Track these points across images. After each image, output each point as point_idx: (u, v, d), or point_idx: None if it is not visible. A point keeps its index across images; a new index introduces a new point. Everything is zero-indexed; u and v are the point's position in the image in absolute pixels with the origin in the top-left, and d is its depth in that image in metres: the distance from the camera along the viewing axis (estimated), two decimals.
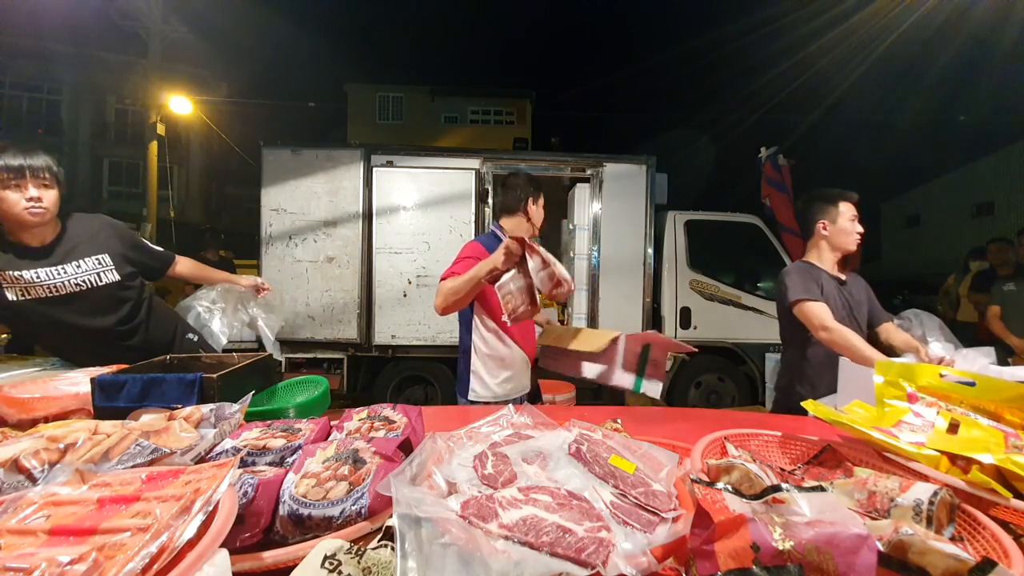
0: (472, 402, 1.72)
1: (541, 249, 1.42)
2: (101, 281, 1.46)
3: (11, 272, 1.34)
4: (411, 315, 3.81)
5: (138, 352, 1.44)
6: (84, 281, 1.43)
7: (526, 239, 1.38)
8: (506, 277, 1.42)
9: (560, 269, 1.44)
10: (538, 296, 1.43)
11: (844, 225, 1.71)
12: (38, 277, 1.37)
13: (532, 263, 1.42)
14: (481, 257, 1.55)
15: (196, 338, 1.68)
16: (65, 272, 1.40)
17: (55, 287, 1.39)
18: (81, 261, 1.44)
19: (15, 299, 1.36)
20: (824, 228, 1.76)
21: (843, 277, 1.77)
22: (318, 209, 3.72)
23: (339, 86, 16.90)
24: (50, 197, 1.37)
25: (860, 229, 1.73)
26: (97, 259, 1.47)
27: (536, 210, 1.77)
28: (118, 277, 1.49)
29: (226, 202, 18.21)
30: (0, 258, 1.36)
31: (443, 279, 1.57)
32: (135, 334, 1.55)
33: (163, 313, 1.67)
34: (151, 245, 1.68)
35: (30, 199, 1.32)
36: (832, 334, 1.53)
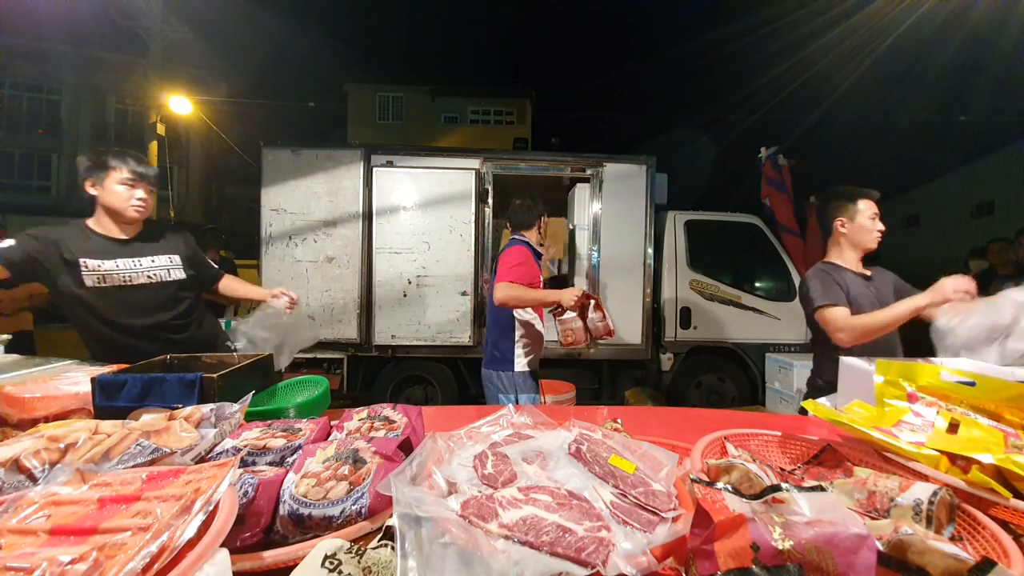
0: (519, 373, 2.08)
1: (604, 304, 1.97)
2: (169, 277, 1.65)
3: (93, 261, 1.53)
4: (411, 315, 3.81)
5: (182, 348, 1.53)
6: (155, 275, 1.61)
7: (590, 295, 1.94)
8: (570, 315, 1.93)
9: (610, 321, 1.97)
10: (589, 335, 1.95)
11: (863, 223, 1.70)
12: (117, 266, 1.56)
13: (593, 313, 1.93)
14: (530, 263, 2.02)
15: (235, 348, 1.74)
16: (140, 264, 1.60)
17: (129, 277, 1.57)
18: (155, 257, 1.64)
19: (92, 285, 1.52)
20: (843, 226, 1.75)
21: (868, 273, 1.76)
22: (318, 209, 3.71)
23: (339, 86, 16.90)
24: (150, 202, 1.63)
25: (881, 227, 1.71)
26: (168, 258, 1.66)
27: (545, 223, 2.22)
28: (183, 276, 1.68)
29: (226, 202, 18.19)
30: (84, 245, 1.55)
31: (506, 279, 1.92)
32: (186, 330, 1.70)
33: (210, 321, 1.84)
34: (209, 260, 1.88)
35: (139, 198, 1.58)
36: (847, 332, 1.53)
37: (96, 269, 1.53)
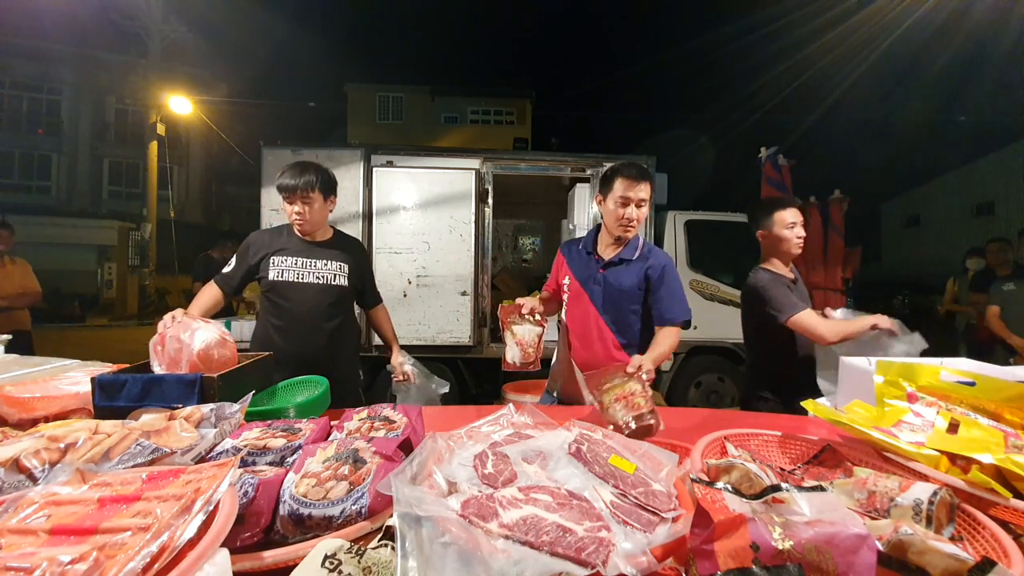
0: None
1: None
2: (334, 282, 1.74)
3: (278, 256, 1.68)
4: (411, 315, 3.81)
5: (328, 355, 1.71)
6: (322, 277, 1.72)
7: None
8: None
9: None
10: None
11: (781, 232, 1.81)
12: (296, 263, 1.69)
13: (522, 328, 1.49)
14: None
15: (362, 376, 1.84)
16: (315, 266, 1.71)
17: (301, 275, 1.69)
18: (329, 262, 1.74)
19: (274, 278, 1.67)
20: (763, 236, 1.89)
21: (792, 276, 1.89)
22: None
23: (339, 86, 16.91)
24: (309, 211, 1.69)
25: (801, 234, 1.80)
26: (340, 264, 1.76)
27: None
28: (346, 284, 1.76)
29: (226, 202, 18.19)
30: (278, 241, 1.72)
31: None
32: (333, 337, 1.76)
33: (353, 339, 1.95)
34: (374, 281, 1.98)
35: (296, 213, 1.68)
36: (831, 332, 1.63)
37: (280, 263, 1.69)
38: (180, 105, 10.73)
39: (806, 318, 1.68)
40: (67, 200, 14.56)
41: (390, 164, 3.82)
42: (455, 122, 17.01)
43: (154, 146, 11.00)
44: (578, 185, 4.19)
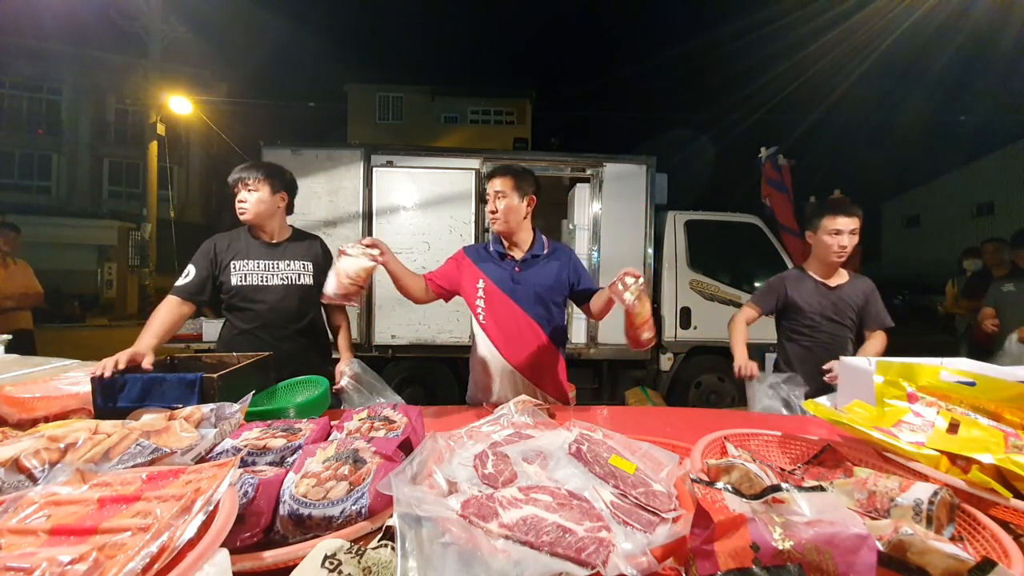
0: None
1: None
2: (299, 281, 1.70)
3: (238, 261, 1.63)
4: (411, 315, 3.81)
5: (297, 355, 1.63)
6: (286, 277, 1.68)
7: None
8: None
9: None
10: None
11: (822, 238, 1.86)
12: (259, 266, 1.65)
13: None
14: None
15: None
16: (278, 267, 1.68)
17: (265, 277, 1.66)
18: (292, 262, 1.70)
19: (237, 283, 1.62)
20: (809, 238, 1.95)
21: (830, 283, 1.93)
22: (318, 209, 3.70)
23: (339, 86, 16.88)
24: (252, 199, 1.65)
25: (844, 243, 1.82)
26: (303, 264, 1.71)
27: None
28: (311, 283, 1.71)
29: (226, 202, 18.03)
30: (236, 245, 1.67)
31: None
32: (301, 337, 1.72)
33: (323, 338, 1.85)
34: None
35: (239, 201, 1.65)
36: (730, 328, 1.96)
37: (242, 267, 1.65)
38: (180, 105, 10.73)
39: (742, 311, 1.99)
40: (67, 200, 14.55)
41: (390, 164, 3.82)
42: (455, 122, 17.00)
43: (154, 146, 11.00)
44: (578, 185, 4.19)
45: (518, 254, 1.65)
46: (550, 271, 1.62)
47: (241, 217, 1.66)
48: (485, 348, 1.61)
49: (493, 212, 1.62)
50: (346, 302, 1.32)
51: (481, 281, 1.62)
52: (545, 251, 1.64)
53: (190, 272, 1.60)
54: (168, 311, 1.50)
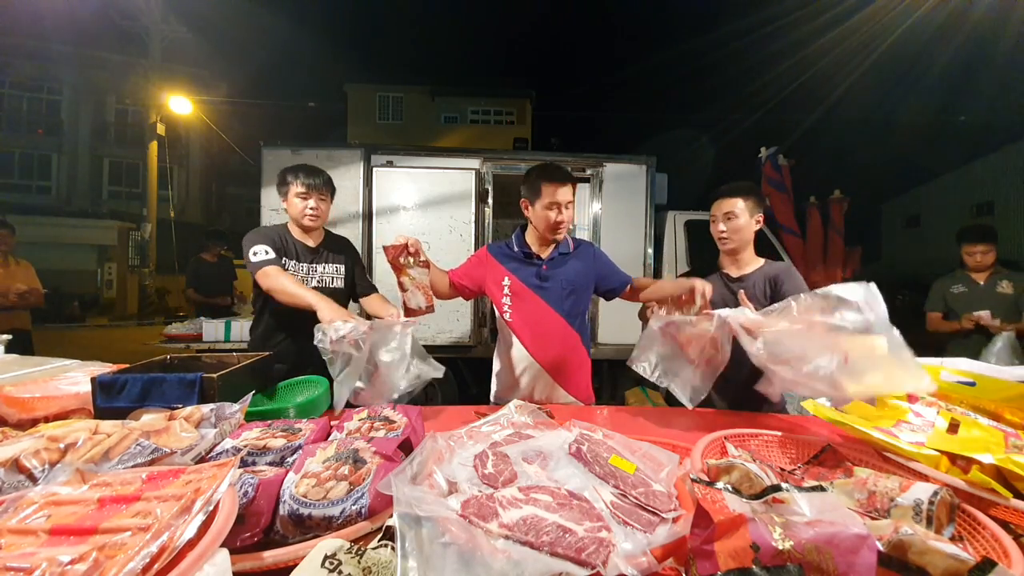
0: None
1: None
2: (332, 284, 1.77)
3: (290, 261, 1.68)
4: None
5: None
6: (322, 281, 1.75)
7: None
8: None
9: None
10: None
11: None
12: (302, 269, 1.71)
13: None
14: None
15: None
16: (316, 271, 1.74)
17: (306, 280, 1.70)
18: (327, 265, 1.77)
19: None
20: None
21: (733, 274, 1.67)
22: None
23: (339, 86, 16.88)
24: (324, 208, 1.75)
25: (722, 229, 1.61)
26: (336, 267, 1.79)
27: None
28: (342, 286, 1.79)
29: (226, 202, 18.16)
30: (283, 243, 1.70)
31: None
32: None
33: None
34: (365, 271, 1.97)
35: (312, 208, 1.71)
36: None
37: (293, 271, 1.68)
38: (180, 105, 10.73)
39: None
40: (67, 200, 14.55)
41: (390, 164, 3.82)
42: (455, 122, 17.01)
43: (154, 146, 11.00)
44: (578, 185, 4.19)
45: (544, 253, 1.63)
46: (576, 268, 1.62)
47: (311, 223, 1.73)
48: (513, 346, 1.62)
49: (560, 223, 1.56)
50: (430, 312, 1.44)
51: (507, 279, 1.62)
52: (571, 248, 1.64)
53: (266, 250, 1.60)
54: (286, 275, 1.56)
